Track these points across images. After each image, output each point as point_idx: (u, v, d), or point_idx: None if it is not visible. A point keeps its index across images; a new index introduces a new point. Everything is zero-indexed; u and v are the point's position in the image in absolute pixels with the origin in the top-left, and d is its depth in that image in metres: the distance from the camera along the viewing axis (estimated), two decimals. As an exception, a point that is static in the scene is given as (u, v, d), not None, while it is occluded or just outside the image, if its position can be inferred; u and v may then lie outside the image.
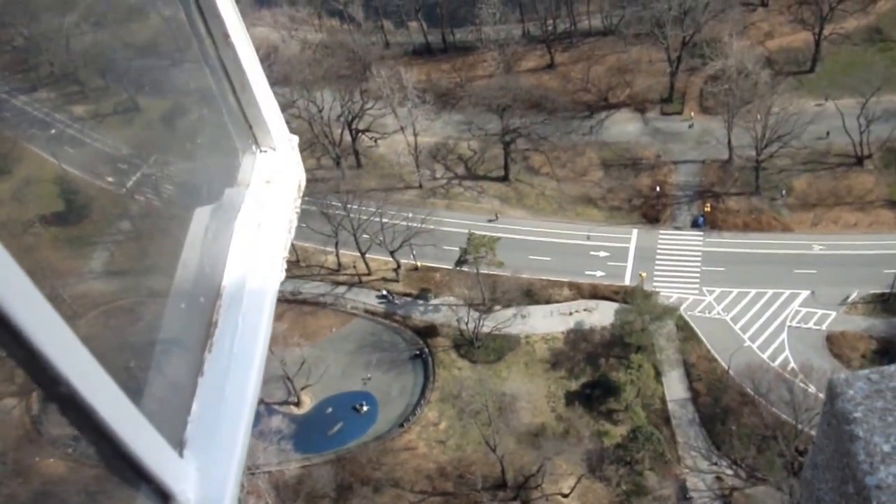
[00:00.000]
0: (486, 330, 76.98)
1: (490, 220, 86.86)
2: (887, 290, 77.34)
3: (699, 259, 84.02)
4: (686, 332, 78.33)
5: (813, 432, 62.24)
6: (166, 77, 4.36)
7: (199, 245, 2.94)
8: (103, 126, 52.75)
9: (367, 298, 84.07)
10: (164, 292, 2.76)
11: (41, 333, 1.44)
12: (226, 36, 3.03)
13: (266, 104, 3.36)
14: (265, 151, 3.40)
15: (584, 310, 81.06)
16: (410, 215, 77.78)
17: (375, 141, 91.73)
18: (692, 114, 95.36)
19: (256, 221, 3.07)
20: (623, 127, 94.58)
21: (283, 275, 3.12)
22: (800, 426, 65.70)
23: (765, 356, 77.55)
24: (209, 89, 3.22)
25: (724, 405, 73.88)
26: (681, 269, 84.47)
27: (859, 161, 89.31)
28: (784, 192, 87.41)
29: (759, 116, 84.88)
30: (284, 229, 3.22)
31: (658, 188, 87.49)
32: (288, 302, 79.70)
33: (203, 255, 2.92)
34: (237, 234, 3.00)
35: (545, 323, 79.93)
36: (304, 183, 3.54)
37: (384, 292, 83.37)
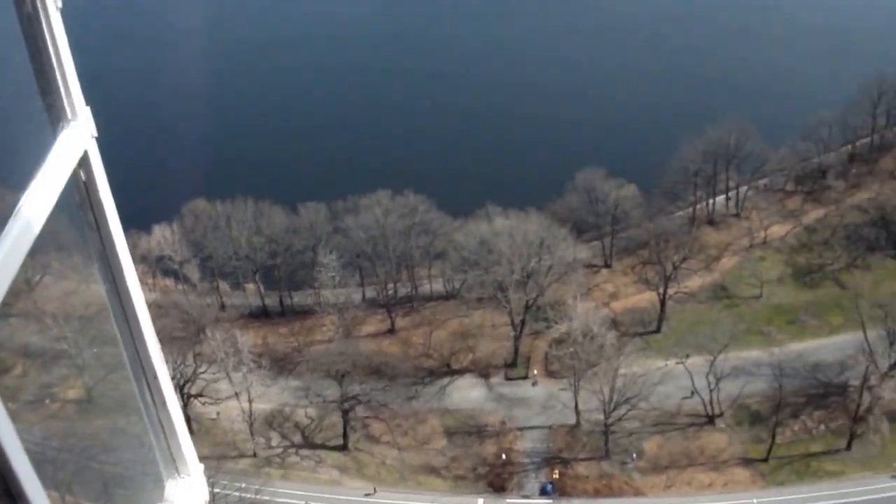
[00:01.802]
0: None
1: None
2: None
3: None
4: None
5: None
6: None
7: None
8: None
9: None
10: None
11: None
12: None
13: (183, 433, 7.08)
14: (184, 478, 7.03)
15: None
16: (244, 485, 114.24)
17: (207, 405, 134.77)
18: (535, 371, 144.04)
19: None
20: (467, 393, 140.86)
21: None
22: None
23: None
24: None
25: None
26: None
27: (710, 420, 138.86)
28: (635, 455, 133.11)
29: (605, 379, 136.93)
30: None
31: (504, 455, 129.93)
32: None
33: None
34: None
35: None
36: None
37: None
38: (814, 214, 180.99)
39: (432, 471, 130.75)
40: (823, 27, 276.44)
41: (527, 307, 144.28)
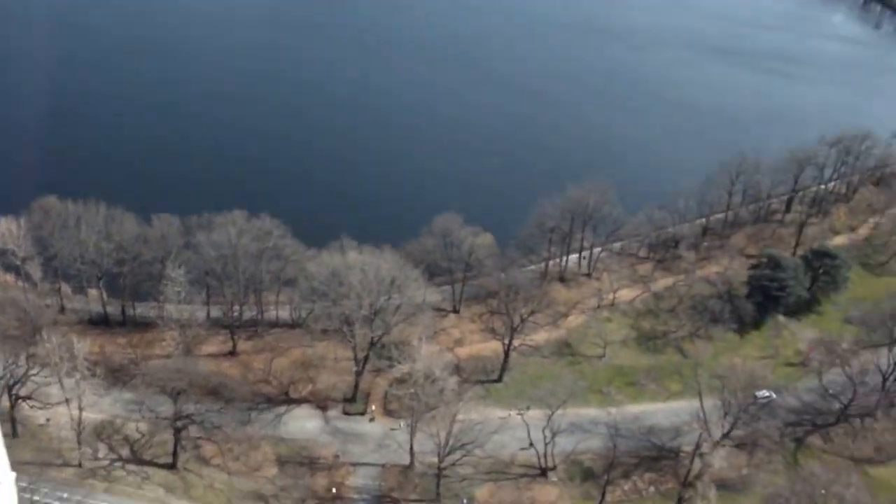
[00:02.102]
0: None
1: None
2: None
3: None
4: None
5: None
6: None
7: None
8: None
9: None
10: None
11: None
12: None
13: None
14: None
15: None
16: (66, 496, 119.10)
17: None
18: (373, 408, 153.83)
19: None
20: (303, 423, 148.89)
21: None
22: None
23: None
24: None
25: None
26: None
27: (544, 473, 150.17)
28: (465, 501, 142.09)
29: (443, 423, 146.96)
30: None
31: (335, 489, 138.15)
32: None
33: None
34: None
35: None
36: None
37: None
38: (663, 282, 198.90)
39: (260, 498, 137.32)
40: (690, 105, 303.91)
41: (371, 344, 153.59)
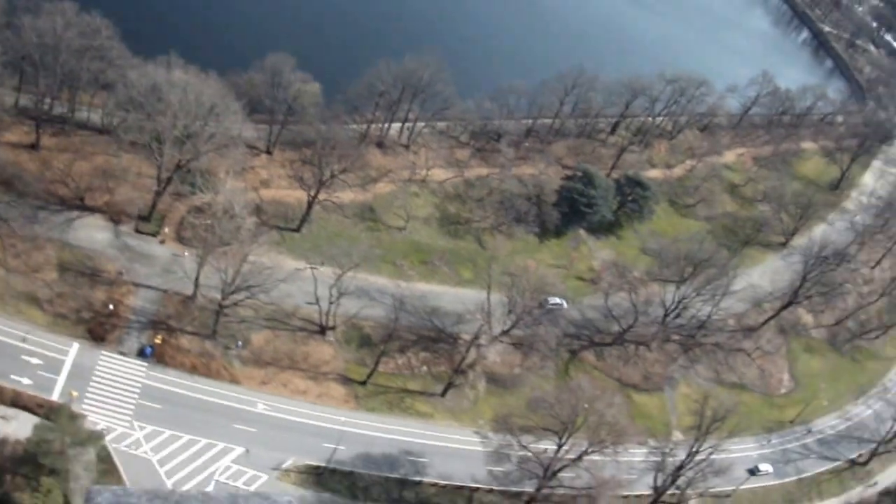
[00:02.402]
0: None
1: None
2: (323, 464, 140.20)
3: (137, 391, 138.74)
4: (107, 465, 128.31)
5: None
6: None
7: None
8: None
9: None
10: None
11: None
12: None
13: None
14: None
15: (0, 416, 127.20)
16: None
17: None
18: (166, 230, 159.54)
19: None
20: (92, 233, 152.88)
21: None
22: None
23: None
24: None
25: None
26: (116, 396, 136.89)
27: (322, 331, 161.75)
28: (240, 343, 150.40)
29: (234, 261, 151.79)
30: None
31: (112, 306, 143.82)
32: None
33: None
34: None
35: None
36: None
37: None
38: (477, 171, 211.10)
39: (34, 301, 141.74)
40: (545, 8, 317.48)
41: (178, 166, 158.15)
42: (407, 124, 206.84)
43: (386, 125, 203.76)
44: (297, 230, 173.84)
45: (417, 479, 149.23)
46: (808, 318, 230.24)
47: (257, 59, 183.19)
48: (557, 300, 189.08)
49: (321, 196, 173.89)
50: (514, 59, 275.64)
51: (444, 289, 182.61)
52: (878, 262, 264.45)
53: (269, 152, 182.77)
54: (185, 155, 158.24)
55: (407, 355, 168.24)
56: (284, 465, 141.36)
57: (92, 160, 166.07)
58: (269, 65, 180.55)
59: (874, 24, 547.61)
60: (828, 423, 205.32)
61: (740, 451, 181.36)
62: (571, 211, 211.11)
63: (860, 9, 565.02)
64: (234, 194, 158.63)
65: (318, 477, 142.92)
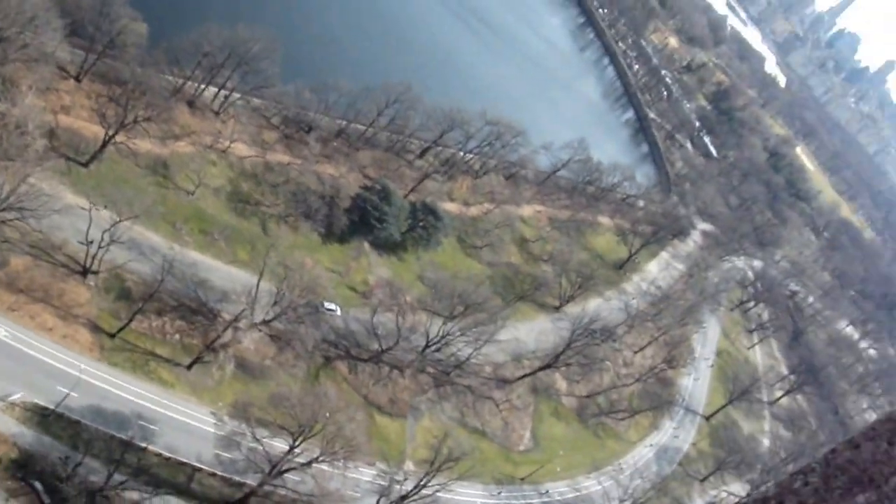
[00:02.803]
0: None
1: None
2: (51, 407, 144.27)
3: None
4: None
5: None
6: None
7: None
8: None
9: None
10: None
11: None
12: None
13: None
14: None
15: None
16: None
17: None
18: None
19: None
20: None
21: None
22: None
23: None
24: None
25: None
26: None
27: (84, 273, 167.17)
28: None
29: (14, 178, 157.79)
30: None
31: None
32: None
33: None
34: None
35: None
36: None
37: None
38: (280, 157, 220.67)
39: None
40: (389, 18, 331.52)
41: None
42: (223, 91, 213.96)
43: (202, 86, 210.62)
44: (86, 165, 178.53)
45: (143, 445, 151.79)
46: (562, 385, 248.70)
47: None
48: (333, 306, 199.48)
49: (119, 138, 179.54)
50: (346, 59, 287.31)
51: (217, 263, 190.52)
52: (641, 349, 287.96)
53: (78, 79, 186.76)
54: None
55: (163, 319, 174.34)
56: (11, 398, 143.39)
57: None
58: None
59: (697, 124, 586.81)
60: (557, 489, 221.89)
61: (468, 496, 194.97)
62: (361, 221, 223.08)
63: (688, 105, 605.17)
64: (30, 111, 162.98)
65: (44, 419, 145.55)
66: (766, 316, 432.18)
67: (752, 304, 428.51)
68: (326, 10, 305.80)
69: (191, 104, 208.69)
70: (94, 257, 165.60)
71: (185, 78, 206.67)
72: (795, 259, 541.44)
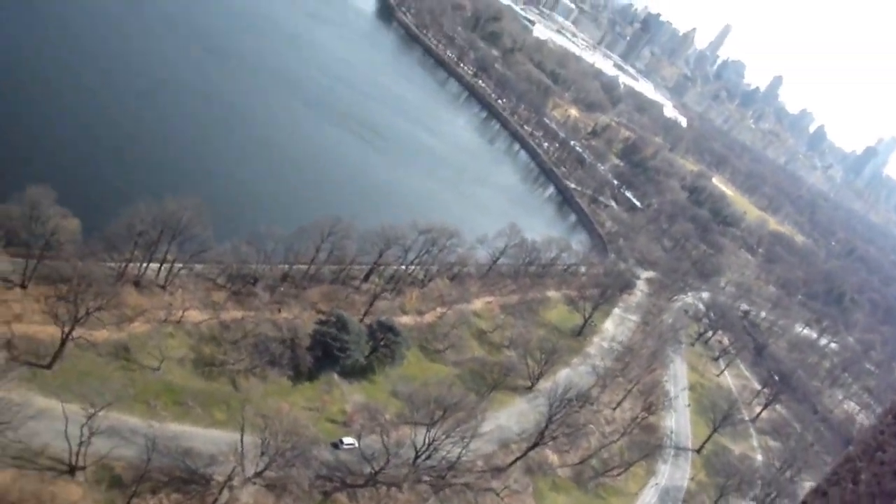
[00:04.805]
0: None
1: None
2: None
3: None
4: None
5: None
6: None
7: None
8: None
9: None
10: None
11: None
12: None
13: None
14: None
15: None
16: None
17: None
18: None
19: None
20: None
21: None
22: None
23: None
24: None
25: None
26: None
27: (72, 471, 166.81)
28: None
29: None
30: None
31: None
32: None
33: None
34: None
35: None
36: None
37: None
38: (233, 314, 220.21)
39: None
40: (304, 157, 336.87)
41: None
42: (164, 265, 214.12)
43: (144, 265, 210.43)
44: (49, 367, 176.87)
45: None
46: (553, 458, 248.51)
47: (16, 192, 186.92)
48: (350, 440, 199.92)
49: (76, 333, 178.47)
50: (273, 205, 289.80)
51: (197, 430, 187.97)
52: (619, 404, 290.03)
53: (24, 286, 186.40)
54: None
55: (159, 496, 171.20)
56: None
57: None
58: (28, 197, 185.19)
59: (615, 182, 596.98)
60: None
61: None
62: (325, 355, 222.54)
63: (602, 167, 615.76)
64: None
65: None
66: (726, 341, 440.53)
67: (710, 333, 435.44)
68: (243, 166, 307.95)
69: (137, 284, 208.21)
70: (77, 454, 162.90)
71: (126, 260, 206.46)
72: (739, 281, 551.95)
